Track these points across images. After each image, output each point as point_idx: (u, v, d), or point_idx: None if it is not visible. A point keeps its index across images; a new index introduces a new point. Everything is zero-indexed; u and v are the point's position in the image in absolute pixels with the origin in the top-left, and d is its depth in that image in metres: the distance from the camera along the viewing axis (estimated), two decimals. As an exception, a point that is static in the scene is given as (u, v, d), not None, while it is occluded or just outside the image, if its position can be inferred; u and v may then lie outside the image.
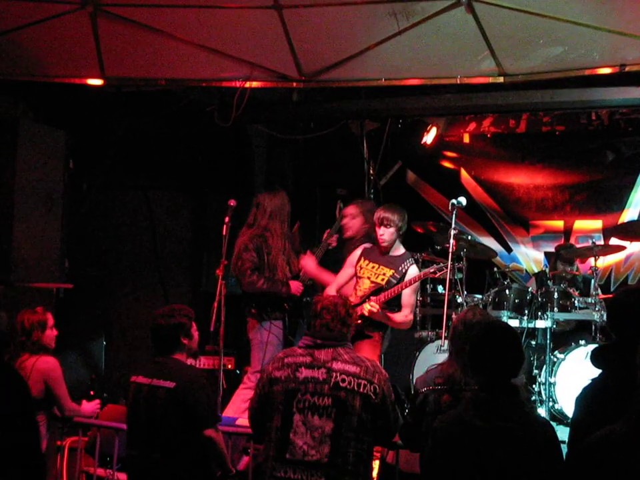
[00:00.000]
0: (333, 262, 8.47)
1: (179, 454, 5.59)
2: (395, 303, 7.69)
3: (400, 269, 7.69)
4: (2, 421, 3.94)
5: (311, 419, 5.22)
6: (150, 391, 5.71)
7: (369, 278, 7.79)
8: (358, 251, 8.02)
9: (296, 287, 8.30)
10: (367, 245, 8.03)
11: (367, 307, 7.49)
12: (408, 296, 7.71)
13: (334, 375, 5.29)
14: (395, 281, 7.63)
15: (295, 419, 5.24)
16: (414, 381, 5.89)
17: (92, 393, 7.74)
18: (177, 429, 5.61)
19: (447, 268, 7.51)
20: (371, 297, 7.62)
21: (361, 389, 5.26)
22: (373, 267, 7.81)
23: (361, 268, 7.87)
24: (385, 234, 7.71)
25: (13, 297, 8.29)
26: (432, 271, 7.64)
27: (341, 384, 5.27)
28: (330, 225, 8.77)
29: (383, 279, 7.70)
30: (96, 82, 8.81)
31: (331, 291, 7.89)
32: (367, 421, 5.25)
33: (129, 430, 5.92)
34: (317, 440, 5.18)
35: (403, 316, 7.68)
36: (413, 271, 7.72)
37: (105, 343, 10.38)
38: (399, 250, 7.87)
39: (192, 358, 6.10)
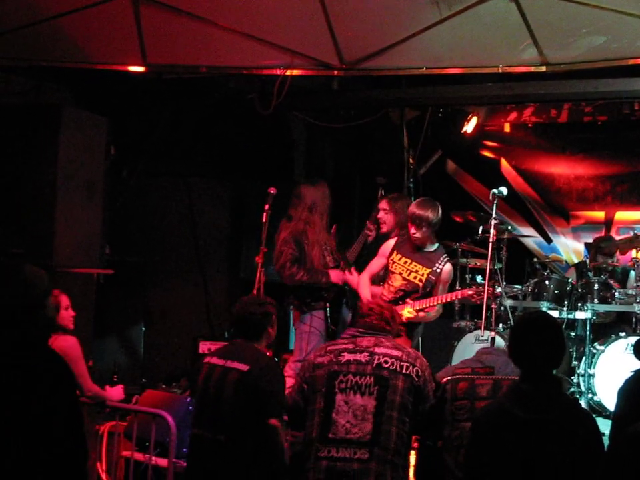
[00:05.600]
0: (372, 254, 8.38)
1: (243, 438, 5.59)
2: None
3: (435, 268, 7.55)
4: (49, 414, 3.96)
5: (353, 397, 5.27)
6: (223, 372, 5.73)
7: (400, 274, 7.65)
8: (391, 242, 7.90)
9: (336, 275, 8.28)
10: (401, 237, 7.93)
11: (405, 313, 7.37)
12: (441, 292, 7.63)
13: (376, 357, 5.36)
14: (431, 284, 7.55)
15: (337, 399, 5.29)
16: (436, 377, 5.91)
17: (115, 378, 7.74)
18: (244, 412, 5.60)
19: (484, 293, 7.42)
20: (407, 301, 7.54)
21: (404, 370, 5.31)
22: (406, 263, 7.66)
23: (393, 262, 7.72)
24: (418, 233, 7.54)
25: (54, 282, 8.34)
26: (470, 293, 7.58)
27: (383, 364, 5.33)
28: (368, 214, 8.75)
29: (415, 277, 7.58)
30: (138, 69, 8.86)
31: (363, 278, 7.86)
32: (409, 403, 5.28)
33: (196, 409, 5.94)
34: (359, 418, 5.22)
35: (435, 312, 7.62)
36: (447, 270, 7.62)
37: (143, 328, 10.44)
38: (433, 245, 7.73)
39: (268, 349, 6.12)
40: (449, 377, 5.66)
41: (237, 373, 5.68)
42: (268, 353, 9.29)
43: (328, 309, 8.31)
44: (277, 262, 8.30)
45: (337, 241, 8.52)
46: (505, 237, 9.36)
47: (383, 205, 8.42)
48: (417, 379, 5.33)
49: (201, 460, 5.76)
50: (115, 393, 7.31)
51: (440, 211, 7.61)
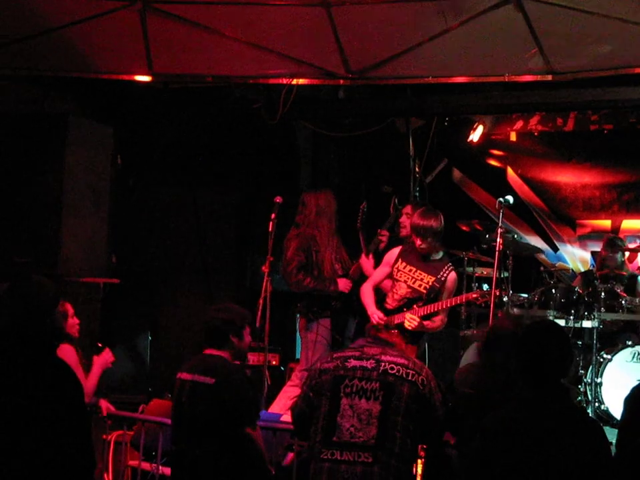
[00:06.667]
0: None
1: (220, 450, 5.61)
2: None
3: (439, 276, 7.56)
4: (58, 422, 3.97)
5: (358, 402, 5.28)
6: (192, 387, 5.76)
7: (405, 282, 7.65)
8: (396, 250, 7.89)
9: (344, 284, 8.28)
10: (406, 245, 7.92)
11: (407, 321, 7.42)
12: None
13: (382, 364, 5.37)
14: (435, 292, 7.56)
15: (343, 403, 5.29)
16: (455, 375, 5.93)
17: (99, 344, 7.50)
18: (218, 425, 5.64)
19: (489, 296, 7.43)
20: (414, 307, 7.55)
21: (409, 377, 5.31)
22: (411, 271, 7.66)
23: (398, 270, 7.72)
24: (424, 244, 7.54)
25: (61, 291, 8.35)
26: (475, 296, 7.59)
27: (389, 371, 5.34)
28: (378, 222, 8.74)
29: (420, 285, 7.59)
30: (144, 78, 8.87)
31: (367, 288, 7.86)
32: (414, 411, 5.27)
33: (173, 426, 5.98)
34: (364, 422, 5.22)
35: (439, 321, 7.60)
36: (452, 278, 7.63)
37: (150, 338, 10.44)
38: (438, 253, 7.74)
39: (238, 360, 6.11)
40: (464, 390, 5.62)
41: (204, 387, 5.71)
42: (275, 359, 9.40)
43: (334, 317, 8.31)
44: (284, 269, 8.32)
45: (364, 219, 8.50)
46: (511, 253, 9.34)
47: (407, 209, 8.45)
48: (422, 388, 5.33)
49: (183, 475, 5.78)
50: (102, 359, 7.10)
51: (442, 219, 7.62)
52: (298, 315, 8.49)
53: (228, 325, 5.91)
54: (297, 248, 8.27)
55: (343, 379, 5.37)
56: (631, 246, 10.43)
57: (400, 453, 5.20)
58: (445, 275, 7.58)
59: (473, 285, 9.85)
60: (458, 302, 7.70)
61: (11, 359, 4.00)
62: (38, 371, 4.00)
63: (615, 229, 11.46)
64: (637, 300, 9.04)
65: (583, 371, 9.01)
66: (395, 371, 5.33)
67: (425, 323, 7.49)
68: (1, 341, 4.08)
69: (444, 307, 7.50)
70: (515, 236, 9.73)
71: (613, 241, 10.06)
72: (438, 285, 7.54)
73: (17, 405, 3.90)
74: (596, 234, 11.53)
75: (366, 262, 8.29)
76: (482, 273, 10.02)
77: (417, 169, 11.37)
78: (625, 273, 9.77)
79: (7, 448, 3.86)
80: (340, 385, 5.35)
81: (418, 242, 7.56)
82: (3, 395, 3.93)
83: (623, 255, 9.94)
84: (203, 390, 5.70)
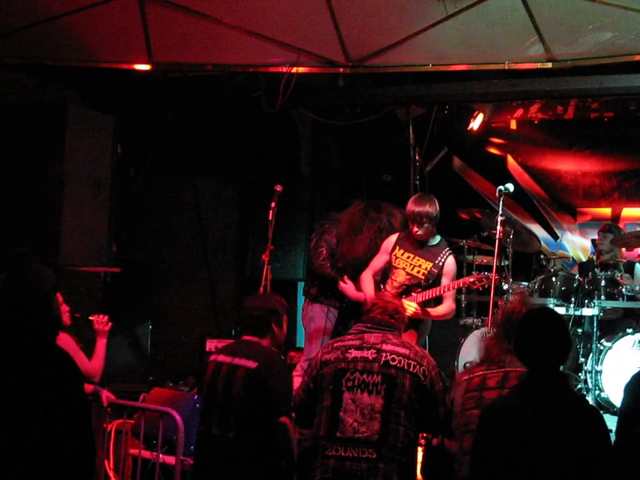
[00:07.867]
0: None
1: (252, 435, 5.60)
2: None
3: (437, 261, 7.55)
4: (59, 415, 3.97)
5: (360, 396, 5.28)
6: (230, 370, 5.74)
7: (404, 269, 7.62)
8: (393, 238, 7.87)
9: (348, 290, 8.25)
10: (402, 232, 7.91)
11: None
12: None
13: (384, 354, 5.37)
14: (433, 277, 7.53)
15: (345, 398, 5.30)
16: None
17: (90, 318, 7.32)
18: (253, 409, 5.61)
19: (487, 279, 7.42)
20: (412, 294, 7.54)
21: (411, 369, 5.31)
22: (409, 258, 7.64)
23: (396, 257, 7.70)
24: (421, 230, 7.52)
25: (62, 280, 8.36)
26: (472, 280, 7.56)
27: (390, 362, 5.34)
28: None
29: (419, 271, 7.56)
30: (143, 67, 8.87)
31: (366, 275, 7.86)
32: (416, 402, 5.28)
33: (203, 408, 5.94)
34: (367, 417, 5.23)
35: (446, 307, 7.56)
36: (450, 262, 7.61)
37: (150, 326, 10.44)
38: (435, 238, 7.72)
39: (275, 349, 6.12)
40: (466, 376, 5.63)
41: (244, 371, 5.68)
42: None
43: (341, 310, 8.34)
44: (314, 249, 8.45)
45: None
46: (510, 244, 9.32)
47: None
48: (423, 378, 5.33)
49: (209, 457, 5.77)
50: (99, 330, 7.05)
51: (437, 203, 7.60)
52: (305, 299, 8.51)
53: (271, 313, 5.94)
54: (332, 234, 8.36)
55: (344, 372, 5.36)
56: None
57: (403, 447, 5.21)
58: (442, 259, 7.56)
59: (473, 272, 9.81)
60: (455, 287, 7.65)
61: (11, 355, 3.99)
62: (39, 365, 3.99)
63: (615, 217, 11.47)
64: (637, 287, 9.03)
65: (583, 359, 9.01)
66: (396, 362, 5.32)
67: (428, 310, 7.47)
68: (0, 334, 4.07)
69: (441, 292, 7.48)
70: (516, 225, 9.71)
71: (608, 227, 10.11)
72: (436, 271, 7.52)
73: (18, 395, 3.90)
74: (596, 222, 11.52)
75: (346, 288, 8.27)
76: (482, 261, 10.02)
77: (417, 158, 11.34)
78: (624, 260, 9.78)
79: (7, 447, 3.87)
80: (342, 379, 5.35)
81: (415, 229, 7.54)
82: (3, 393, 3.92)
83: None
84: (242, 373, 5.69)
